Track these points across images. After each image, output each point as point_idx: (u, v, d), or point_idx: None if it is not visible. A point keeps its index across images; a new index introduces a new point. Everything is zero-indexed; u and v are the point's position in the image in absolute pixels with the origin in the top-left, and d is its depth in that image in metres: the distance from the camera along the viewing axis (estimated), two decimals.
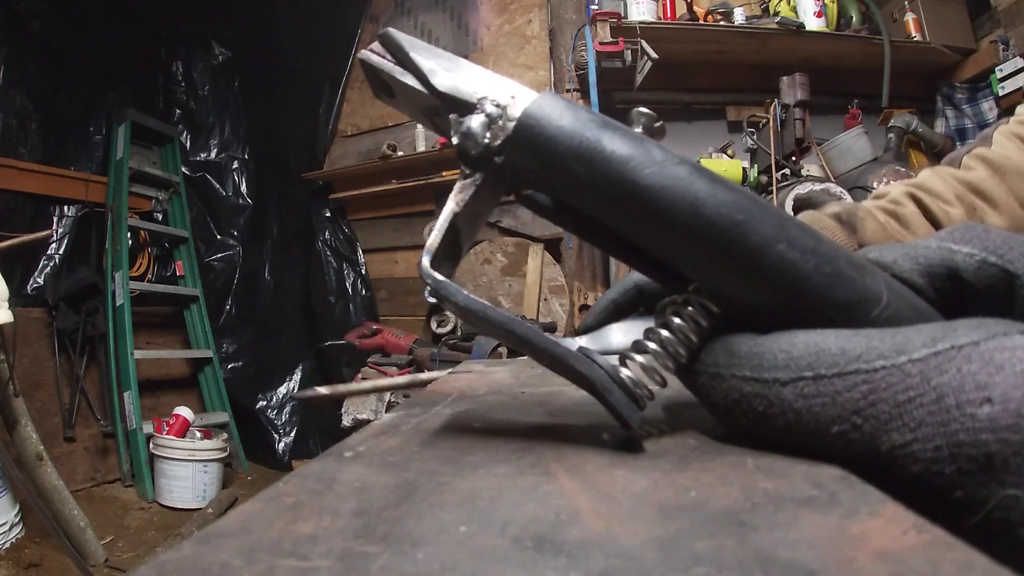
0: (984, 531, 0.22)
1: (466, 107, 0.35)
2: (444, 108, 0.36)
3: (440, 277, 0.34)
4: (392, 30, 0.39)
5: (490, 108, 0.34)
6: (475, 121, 0.34)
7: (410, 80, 0.37)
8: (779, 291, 0.30)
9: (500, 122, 0.34)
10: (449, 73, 0.36)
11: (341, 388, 2.19)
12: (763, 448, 0.31)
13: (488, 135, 0.34)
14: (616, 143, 0.31)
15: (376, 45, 0.39)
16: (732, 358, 0.31)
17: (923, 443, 0.23)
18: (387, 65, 0.38)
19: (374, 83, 0.41)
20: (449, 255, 0.36)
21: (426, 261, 0.34)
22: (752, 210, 0.30)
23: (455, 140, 0.35)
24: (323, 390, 2.04)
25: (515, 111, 0.34)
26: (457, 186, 0.36)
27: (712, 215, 0.30)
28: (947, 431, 0.23)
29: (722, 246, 0.30)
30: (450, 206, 0.35)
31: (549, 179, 0.34)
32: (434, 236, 0.35)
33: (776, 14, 3.19)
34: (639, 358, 0.33)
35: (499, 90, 0.35)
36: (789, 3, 3.23)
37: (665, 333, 0.33)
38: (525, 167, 0.35)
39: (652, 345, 0.33)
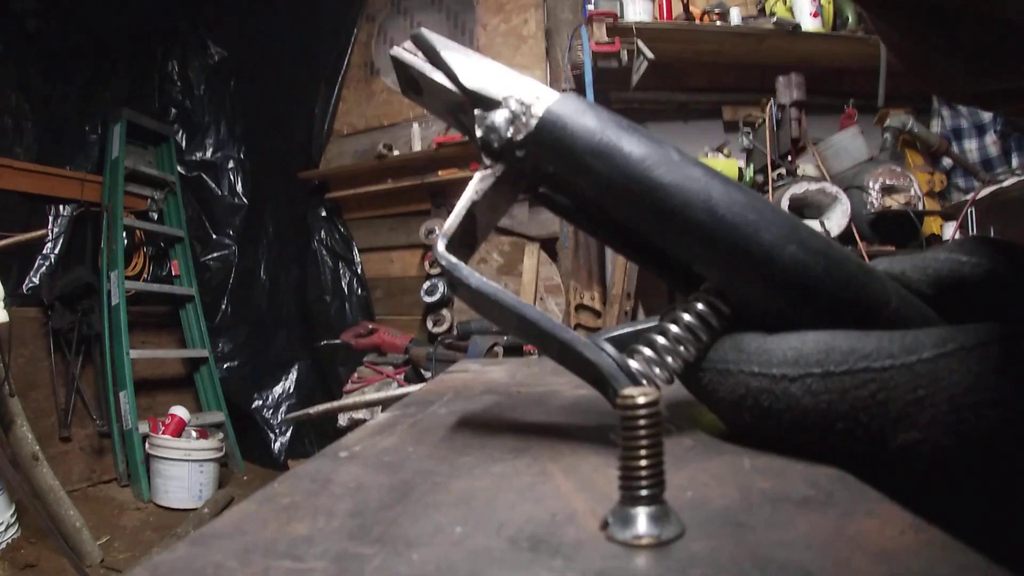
0: (997, 532, 0.22)
1: (492, 104, 0.36)
2: (470, 105, 0.37)
3: (454, 259, 0.34)
4: (425, 30, 0.40)
5: (514, 105, 0.36)
6: (499, 116, 0.36)
7: (440, 78, 0.39)
8: (788, 291, 0.31)
9: (524, 119, 0.35)
10: (477, 72, 0.38)
11: (334, 405, 2.20)
12: (760, 448, 0.31)
13: (511, 130, 0.35)
14: (634, 143, 0.32)
15: (408, 44, 0.41)
16: (740, 354, 0.31)
17: (933, 443, 0.24)
18: (418, 63, 0.40)
19: (403, 80, 0.42)
20: (464, 243, 0.37)
21: (441, 244, 0.35)
22: (764, 211, 0.31)
23: (479, 133, 0.36)
24: (315, 411, 2.04)
25: (538, 109, 0.35)
26: (477, 176, 0.37)
27: (725, 214, 0.30)
28: (958, 432, 0.23)
29: (734, 244, 0.30)
30: (469, 194, 0.36)
31: (568, 175, 0.35)
32: (451, 220, 0.36)
33: (772, 14, 3.20)
34: (648, 352, 0.33)
35: (524, 89, 0.36)
36: (785, 3, 3.24)
37: (675, 329, 0.33)
38: (545, 162, 0.36)
39: (662, 340, 0.33)
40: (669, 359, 0.33)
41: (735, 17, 3.21)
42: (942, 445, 0.23)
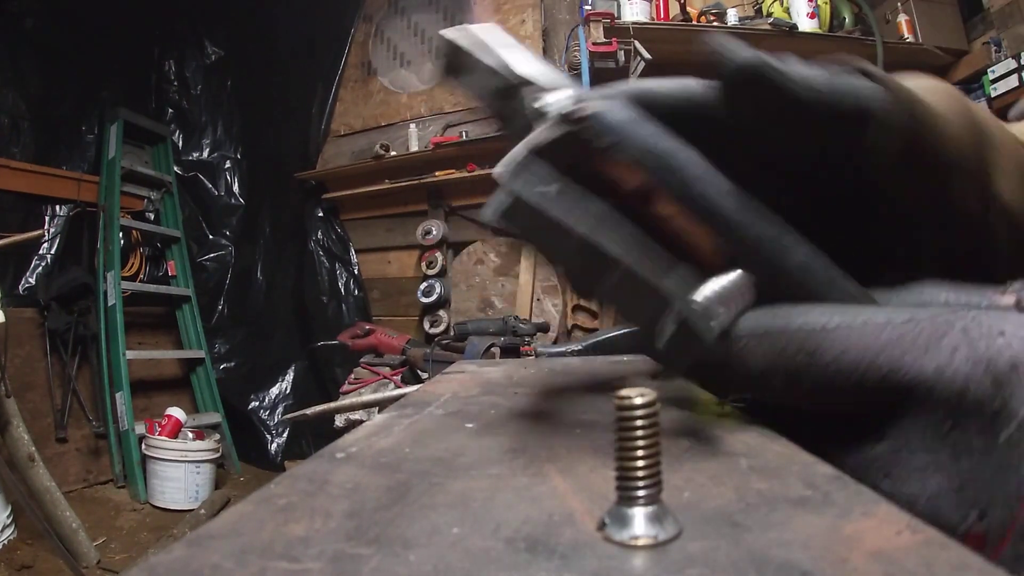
0: (1017, 444, 0.26)
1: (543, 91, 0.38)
2: (516, 91, 0.39)
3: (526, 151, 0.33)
4: (471, 26, 0.43)
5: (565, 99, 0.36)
6: (555, 96, 0.37)
7: (492, 61, 0.40)
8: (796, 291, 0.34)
9: (575, 115, 0.35)
10: (529, 63, 0.40)
11: (331, 406, 2.20)
12: (757, 448, 0.31)
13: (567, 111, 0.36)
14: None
15: (456, 29, 0.43)
16: (776, 319, 0.32)
17: (961, 363, 0.28)
18: (472, 46, 0.42)
19: (449, 62, 0.44)
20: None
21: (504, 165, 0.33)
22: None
23: (535, 105, 0.37)
24: (311, 412, 2.04)
25: (588, 110, 0.35)
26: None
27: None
28: (977, 352, 0.28)
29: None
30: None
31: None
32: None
33: (769, 15, 3.20)
34: (717, 286, 0.31)
35: (569, 87, 0.38)
36: (782, 4, 3.24)
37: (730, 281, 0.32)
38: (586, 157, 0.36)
39: (725, 282, 0.32)
40: (731, 306, 0.32)
41: (732, 18, 3.21)
42: (970, 363, 0.28)
